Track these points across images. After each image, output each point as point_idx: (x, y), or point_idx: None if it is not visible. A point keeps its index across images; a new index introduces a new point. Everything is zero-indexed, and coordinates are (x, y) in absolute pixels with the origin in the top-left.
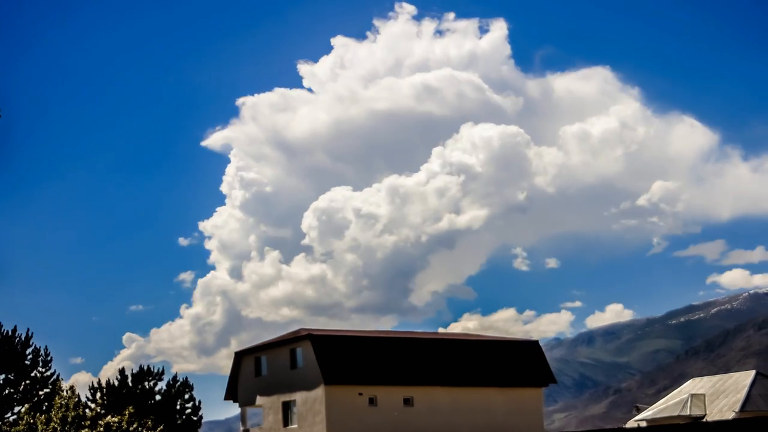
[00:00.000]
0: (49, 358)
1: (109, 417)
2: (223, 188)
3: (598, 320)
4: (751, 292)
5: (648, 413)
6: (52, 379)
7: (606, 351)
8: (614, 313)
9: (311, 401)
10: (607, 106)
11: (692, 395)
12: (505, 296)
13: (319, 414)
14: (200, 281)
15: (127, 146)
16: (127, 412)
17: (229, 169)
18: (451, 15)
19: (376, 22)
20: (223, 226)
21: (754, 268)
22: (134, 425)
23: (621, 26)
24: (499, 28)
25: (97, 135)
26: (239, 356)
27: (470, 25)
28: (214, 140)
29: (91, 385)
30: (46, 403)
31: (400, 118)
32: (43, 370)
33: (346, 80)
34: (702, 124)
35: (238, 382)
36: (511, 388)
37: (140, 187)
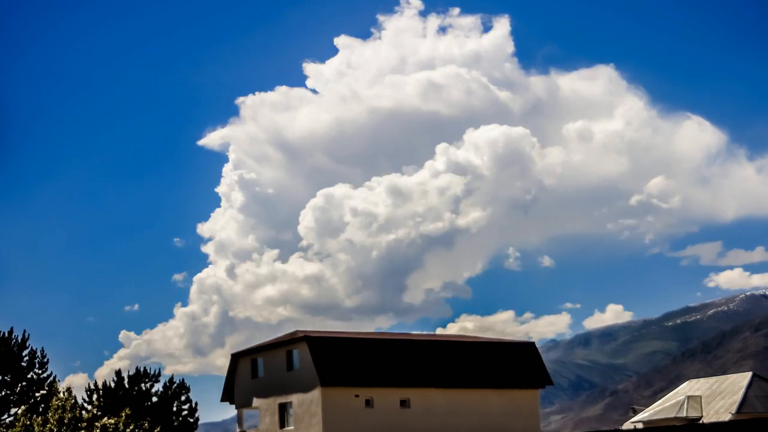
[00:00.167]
0: (45, 360)
1: (106, 419)
2: (221, 188)
3: (597, 321)
4: (748, 293)
5: (644, 415)
6: (48, 381)
7: (602, 353)
8: (614, 314)
9: (308, 403)
10: (612, 106)
11: (689, 397)
12: (503, 297)
13: (316, 416)
14: (196, 281)
15: (126, 146)
16: (123, 414)
17: (228, 169)
18: (456, 10)
19: (381, 17)
20: (220, 225)
21: (753, 269)
22: (131, 427)
23: (625, 25)
24: (503, 25)
25: (95, 135)
26: (236, 358)
27: (474, 21)
28: (212, 140)
29: (87, 386)
30: (43, 405)
31: (402, 117)
32: (40, 371)
33: (348, 79)
34: (709, 125)
35: (235, 383)
36: (507, 390)
37: (138, 187)
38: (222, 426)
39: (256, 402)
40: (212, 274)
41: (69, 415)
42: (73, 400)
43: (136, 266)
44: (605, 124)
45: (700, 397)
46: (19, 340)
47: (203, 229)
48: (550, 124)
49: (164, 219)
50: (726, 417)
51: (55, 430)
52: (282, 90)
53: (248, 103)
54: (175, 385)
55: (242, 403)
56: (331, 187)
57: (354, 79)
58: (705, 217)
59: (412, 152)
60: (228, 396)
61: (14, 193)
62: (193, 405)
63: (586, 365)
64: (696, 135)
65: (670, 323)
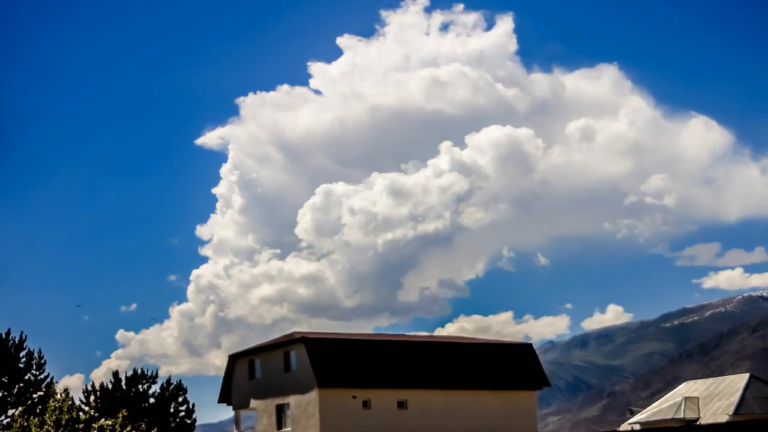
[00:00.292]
0: (42, 361)
1: (103, 420)
2: (219, 187)
3: (597, 322)
4: (745, 294)
5: (642, 416)
6: (45, 382)
7: (600, 354)
8: (615, 315)
9: (305, 404)
10: (616, 105)
11: (686, 398)
12: (502, 297)
13: (313, 417)
14: (193, 281)
15: (124, 146)
16: (120, 415)
17: (226, 168)
18: (460, 6)
19: (384, 13)
20: (217, 225)
21: (751, 270)
22: (128, 428)
23: (629, 24)
24: (506, 23)
25: (93, 135)
26: (233, 359)
27: (477, 18)
28: (211, 139)
29: (85, 388)
30: (40, 406)
31: (405, 115)
32: (37, 372)
33: (350, 78)
34: (716, 125)
35: (232, 384)
36: (504, 391)
37: (136, 187)
38: (219, 427)
39: (253, 403)
40: (209, 274)
41: (66, 416)
42: (70, 402)
43: (134, 266)
44: (609, 124)
45: (698, 398)
46: (17, 341)
47: (201, 228)
48: (553, 124)
49: (162, 219)
50: (723, 418)
51: (52, 431)
52: (283, 89)
53: (248, 102)
54: (173, 386)
55: (239, 405)
56: (331, 187)
57: (356, 78)
58: (707, 217)
59: (413, 151)
60: (225, 397)
61: (11, 194)
62: (191, 406)
63: (583, 366)
64: (700, 135)
65: (667, 324)
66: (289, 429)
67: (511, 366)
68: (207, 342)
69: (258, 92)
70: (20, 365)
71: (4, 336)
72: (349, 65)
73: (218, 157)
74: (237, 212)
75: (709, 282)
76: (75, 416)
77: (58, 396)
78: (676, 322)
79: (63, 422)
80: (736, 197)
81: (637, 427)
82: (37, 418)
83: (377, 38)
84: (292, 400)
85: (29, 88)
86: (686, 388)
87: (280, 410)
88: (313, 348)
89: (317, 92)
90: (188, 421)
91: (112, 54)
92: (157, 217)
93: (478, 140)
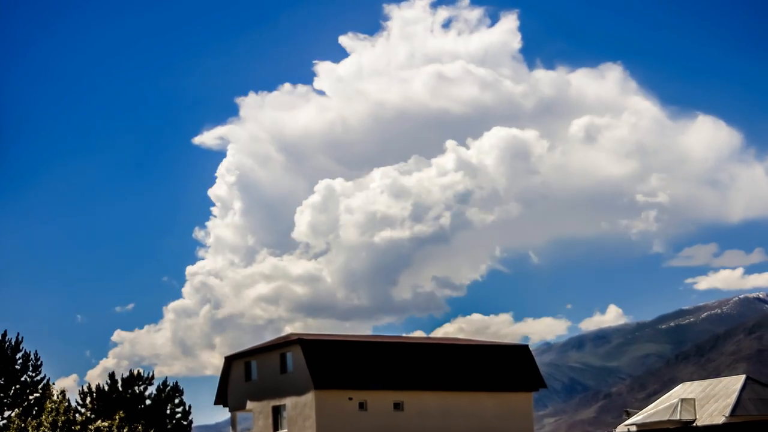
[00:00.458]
0: (39, 363)
1: (99, 422)
2: (217, 187)
3: (597, 323)
4: (742, 296)
5: (638, 418)
6: (42, 384)
7: (596, 355)
8: (616, 316)
9: (301, 406)
10: (619, 105)
11: (682, 400)
12: (501, 298)
13: (309, 419)
14: (189, 280)
15: (121, 145)
16: (117, 417)
17: (225, 168)
18: (465, 1)
19: (387, 8)
20: (215, 225)
21: (749, 271)
22: (124, 430)
23: (634, 23)
24: (511, 20)
25: (91, 134)
26: (229, 361)
27: (482, 14)
28: (209, 138)
29: (81, 389)
30: (37, 408)
31: (408, 113)
32: (33, 374)
33: (354, 77)
34: (716, 126)
35: (228, 386)
36: (501, 393)
37: (133, 186)
38: (215, 429)
39: (249, 405)
40: (206, 274)
41: (62, 418)
42: (66, 403)
43: (130, 266)
44: (612, 123)
45: (694, 400)
46: (13, 343)
47: (198, 228)
48: (557, 122)
49: (160, 218)
50: (719, 420)
51: None
52: (284, 88)
53: (248, 101)
54: (169, 387)
55: (236, 406)
56: (330, 185)
57: (359, 77)
58: (709, 218)
59: (416, 149)
60: (221, 399)
61: (6, 194)
62: (187, 408)
63: (579, 368)
64: (705, 136)
65: (663, 326)
66: (286, 431)
67: (508, 367)
68: (202, 342)
69: (259, 91)
70: (17, 367)
71: (0, 337)
72: (354, 65)
73: (217, 156)
74: (236, 212)
75: (706, 283)
76: (71, 418)
77: (55, 398)
78: (672, 324)
79: (59, 424)
80: (740, 198)
81: (633, 428)
82: (33, 420)
83: (381, 34)
84: (288, 401)
85: (25, 87)
86: (682, 390)
87: (277, 412)
88: (310, 349)
89: (320, 92)
90: (185, 423)
91: (111, 52)
92: (155, 217)
93: (481, 140)
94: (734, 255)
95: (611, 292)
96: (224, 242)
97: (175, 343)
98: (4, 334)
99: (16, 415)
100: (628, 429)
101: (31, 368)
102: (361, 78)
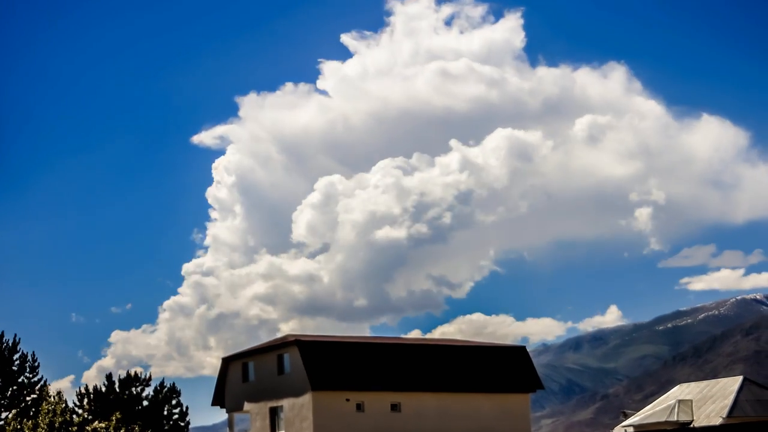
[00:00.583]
0: (36, 364)
1: (96, 423)
2: (216, 186)
3: (598, 323)
4: (739, 297)
5: (635, 419)
6: (39, 385)
7: (593, 357)
8: (616, 317)
9: (298, 407)
10: (624, 105)
11: (679, 401)
12: (501, 298)
13: (307, 420)
14: (187, 280)
15: (120, 145)
16: (114, 418)
17: (223, 168)
18: None
19: (390, 4)
20: (213, 225)
21: (747, 271)
22: (121, 431)
23: (638, 22)
24: (515, 18)
25: (90, 133)
26: (226, 362)
27: (485, 11)
28: (209, 137)
29: (78, 391)
30: (33, 409)
31: (410, 112)
32: (30, 375)
33: (353, 76)
34: (721, 126)
35: (226, 387)
36: (498, 394)
37: (131, 186)
38: (212, 430)
39: (247, 406)
40: (204, 273)
41: (59, 419)
42: (63, 404)
43: (127, 266)
44: (616, 123)
45: (691, 401)
46: (10, 344)
47: (197, 228)
48: (560, 122)
49: (158, 218)
50: (717, 421)
51: None
52: (286, 88)
53: (248, 101)
54: (166, 389)
55: (233, 407)
56: (330, 183)
57: (362, 75)
58: (711, 219)
59: (417, 148)
60: (219, 400)
61: (3, 195)
62: (184, 409)
63: (577, 369)
64: (709, 136)
65: (661, 327)
66: None
67: (505, 369)
68: (198, 342)
69: (260, 91)
70: (14, 368)
71: None
72: (359, 64)
73: (216, 156)
74: (235, 212)
75: (703, 284)
76: (68, 419)
77: (52, 399)
78: (669, 325)
79: (56, 425)
80: (744, 198)
81: (630, 430)
82: (30, 421)
83: (385, 30)
84: (285, 402)
85: (24, 87)
86: (680, 391)
87: (274, 413)
88: (307, 351)
89: (322, 92)
90: (182, 424)
91: (110, 52)
92: (153, 217)
93: (485, 140)
94: (733, 256)
95: (611, 293)
96: (222, 242)
97: (171, 343)
98: (2, 335)
99: (12, 416)
100: (626, 430)
101: (28, 369)
102: (365, 77)
